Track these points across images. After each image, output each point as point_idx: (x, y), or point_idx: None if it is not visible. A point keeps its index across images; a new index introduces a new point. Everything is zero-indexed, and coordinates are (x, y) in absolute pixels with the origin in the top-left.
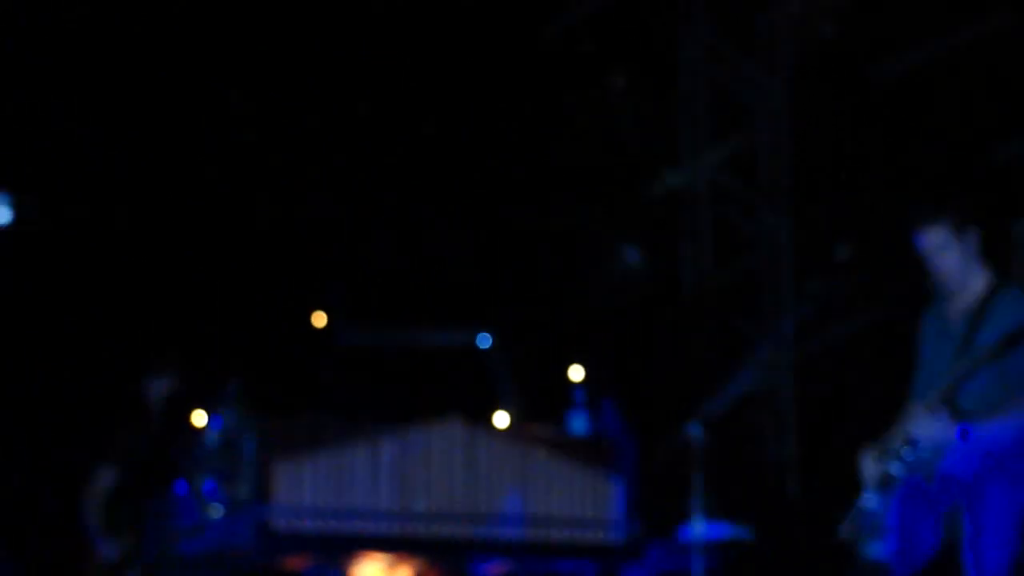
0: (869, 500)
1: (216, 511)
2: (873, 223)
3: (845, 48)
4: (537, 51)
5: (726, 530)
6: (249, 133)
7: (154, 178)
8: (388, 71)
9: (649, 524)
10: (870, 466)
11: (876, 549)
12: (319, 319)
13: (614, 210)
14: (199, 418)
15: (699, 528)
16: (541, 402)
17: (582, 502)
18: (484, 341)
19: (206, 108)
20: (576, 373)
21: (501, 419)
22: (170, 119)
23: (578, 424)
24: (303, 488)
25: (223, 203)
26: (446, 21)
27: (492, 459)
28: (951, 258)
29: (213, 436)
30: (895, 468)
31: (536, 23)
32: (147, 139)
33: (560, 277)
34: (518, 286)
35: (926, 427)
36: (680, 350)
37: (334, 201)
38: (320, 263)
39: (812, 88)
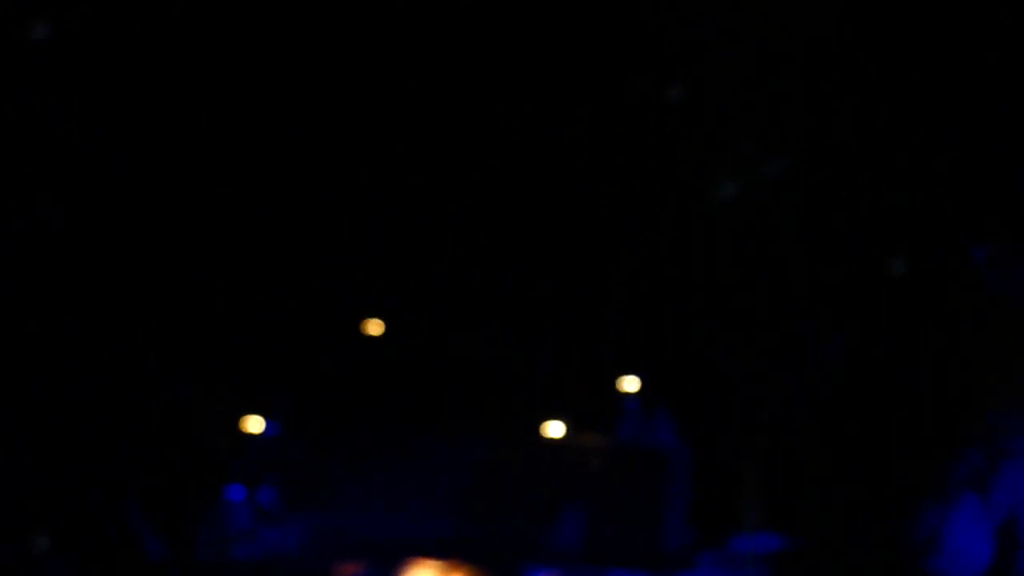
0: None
1: (270, 517)
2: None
3: None
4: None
5: (777, 541)
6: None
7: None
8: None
9: (702, 534)
10: None
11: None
12: (375, 327)
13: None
14: (255, 425)
15: (752, 539)
16: (594, 412)
17: (634, 511)
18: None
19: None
20: (630, 383)
21: (555, 429)
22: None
23: (631, 433)
24: (356, 495)
25: (272, 208)
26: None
27: (546, 468)
28: None
29: (268, 443)
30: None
31: None
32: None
33: (612, 283)
34: (567, 292)
35: None
36: (731, 358)
37: (375, 207)
38: (368, 270)
39: None
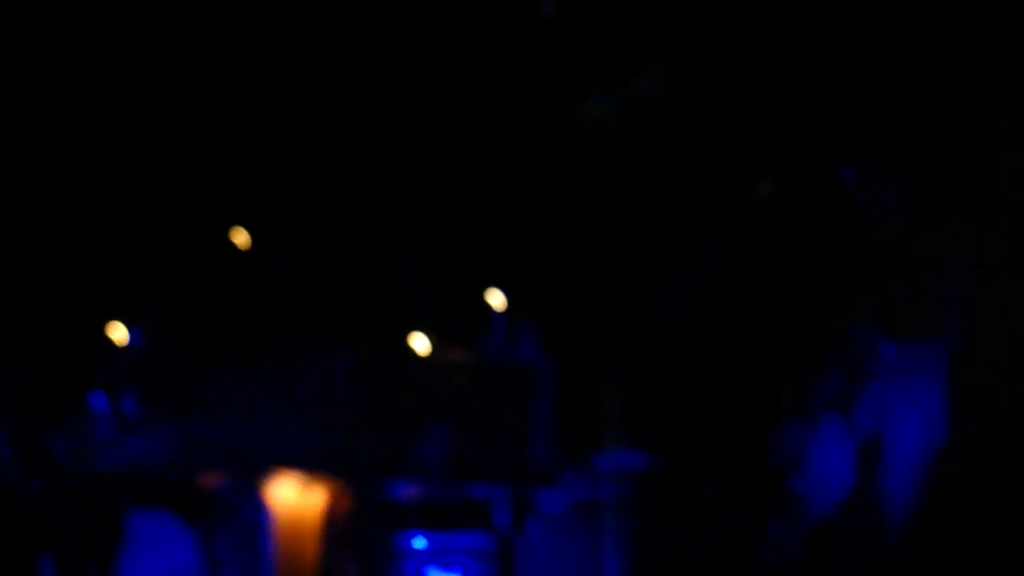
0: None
1: (133, 426)
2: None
3: None
4: None
5: (639, 459)
6: None
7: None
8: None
9: (565, 451)
10: None
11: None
12: (240, 236)
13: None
14: (119, 333)
15: (614, 456)
16: (460, 328)
17: (499, 427)
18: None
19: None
20: (495, 299)
21: (420, 342)
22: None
23: (496, 349)
24: (222, 405)
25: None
26: None
27: (411, 383)
28: None
29: (132, 352)
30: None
31: None
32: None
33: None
34: (436, 207)
35: None
36: (596, 277)
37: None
38: (238, 180)
39: None
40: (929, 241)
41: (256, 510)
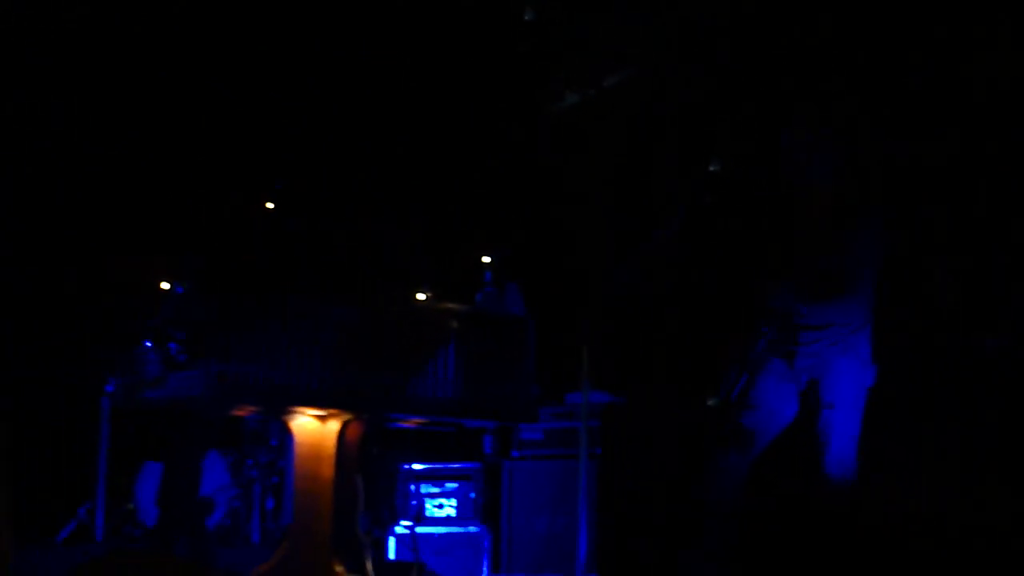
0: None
1: (176, 365)
2: None
3: None
4: None
5: (607, 398)
6: None
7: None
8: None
9: (543, 391)
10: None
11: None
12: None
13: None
14: (166, 285)
15: (583, 395)
16: (455, 284)
17: (489, 368)
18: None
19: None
20: (486, 257)
21: (421, 297)
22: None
23: (486, 303)
24: (252, 349)
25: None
26: None
27: (413, 331)
28: None
29: (176, 301)
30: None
31: None
32: None
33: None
34: (441, 182)
35: None
36: (574, 245)
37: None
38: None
39: None
40: (842, 202)
41: (280, 437)
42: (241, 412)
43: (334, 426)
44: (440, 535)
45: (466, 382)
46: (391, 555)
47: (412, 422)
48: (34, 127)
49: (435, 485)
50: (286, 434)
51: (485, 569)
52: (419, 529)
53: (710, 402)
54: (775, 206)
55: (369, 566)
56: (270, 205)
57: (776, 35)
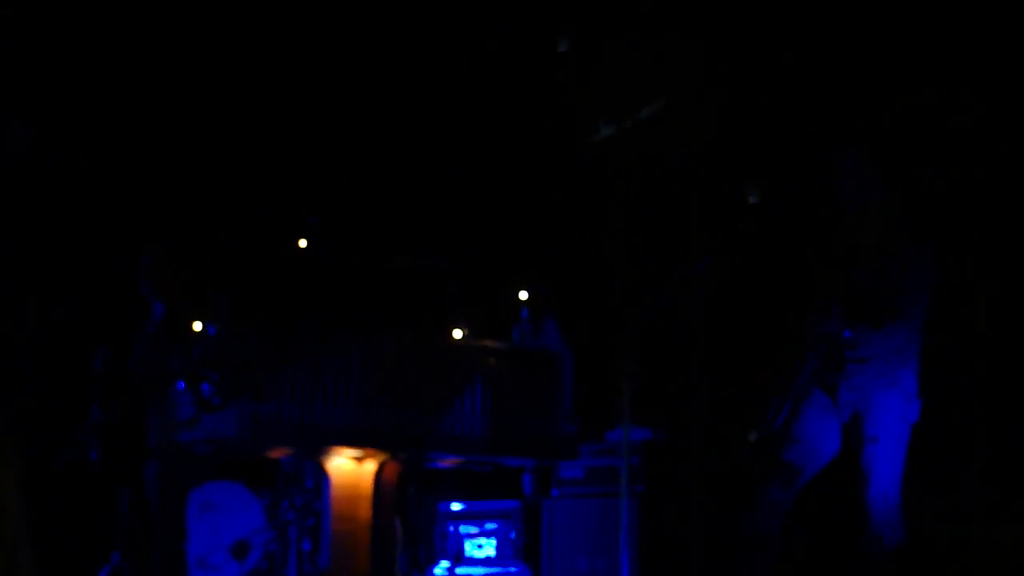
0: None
1: (209, 406)
2: None
3: None
4: None
5: (647, 434)
6: None
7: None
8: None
9: (583, 427)
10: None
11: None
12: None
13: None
14: (198, 326)
15: (624, 431)
16: (492, 320)
17: (526, 405)
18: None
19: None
20: (523, 296)
21: (457, 334)
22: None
23: (523, 338)
24: (287, 388)
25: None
26: None
27: (450, 368)
28: None
29: (208, 341)
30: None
31: None
32: None
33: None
34: (477, 220)
35: None
36: (610, 276)
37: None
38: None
39: None
40: (891, 231)
41: (316, 479)
42: (276, 454)
43: (370, 467)
44: None
45: (503, 419)
46: None
47: (449, 461)
48: (63, 171)
49: (474, 525)
50: (322, 475)
51: None
52: (459, 570)
53: (752, 436)
54: (822, 233)
55: None
56: (303, 243)
57: (824, 62)
